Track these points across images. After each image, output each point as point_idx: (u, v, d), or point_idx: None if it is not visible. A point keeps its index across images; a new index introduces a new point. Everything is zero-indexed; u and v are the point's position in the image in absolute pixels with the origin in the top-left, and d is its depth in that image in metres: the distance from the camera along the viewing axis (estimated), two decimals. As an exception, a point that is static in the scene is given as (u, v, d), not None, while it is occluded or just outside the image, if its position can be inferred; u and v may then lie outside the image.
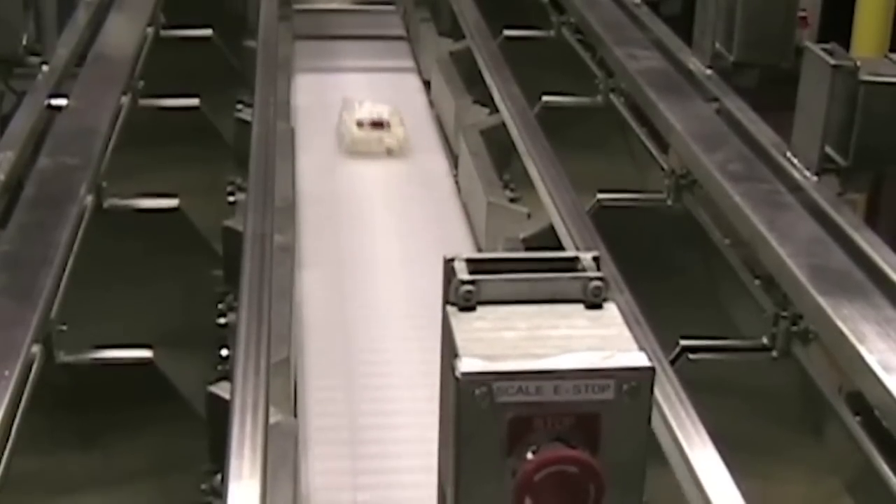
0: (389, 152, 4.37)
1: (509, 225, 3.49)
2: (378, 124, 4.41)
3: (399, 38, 5.62)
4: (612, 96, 3.82)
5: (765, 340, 2.60)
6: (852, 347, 2.17)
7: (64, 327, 2.40)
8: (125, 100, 3.39)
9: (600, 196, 3.20)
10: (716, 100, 3.27)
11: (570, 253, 1.53)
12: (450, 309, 1.45)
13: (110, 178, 2.98)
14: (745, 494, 1.97)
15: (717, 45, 3.42)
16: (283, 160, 3.46)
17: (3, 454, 2.00)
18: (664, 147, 3.34)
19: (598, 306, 1.46)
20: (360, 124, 4.40)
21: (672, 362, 2.48)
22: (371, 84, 5.11)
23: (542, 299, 1.46)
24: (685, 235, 3.11)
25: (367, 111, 4.46)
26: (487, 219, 3.61)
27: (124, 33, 3.79)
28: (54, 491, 2.43)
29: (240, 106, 3.96)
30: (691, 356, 2.57)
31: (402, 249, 3.76)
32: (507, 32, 4.42)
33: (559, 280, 1.47)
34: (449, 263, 1.47)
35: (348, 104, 4.51)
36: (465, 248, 3.68)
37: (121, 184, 3.04)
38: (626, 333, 1.42)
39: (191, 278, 3.11)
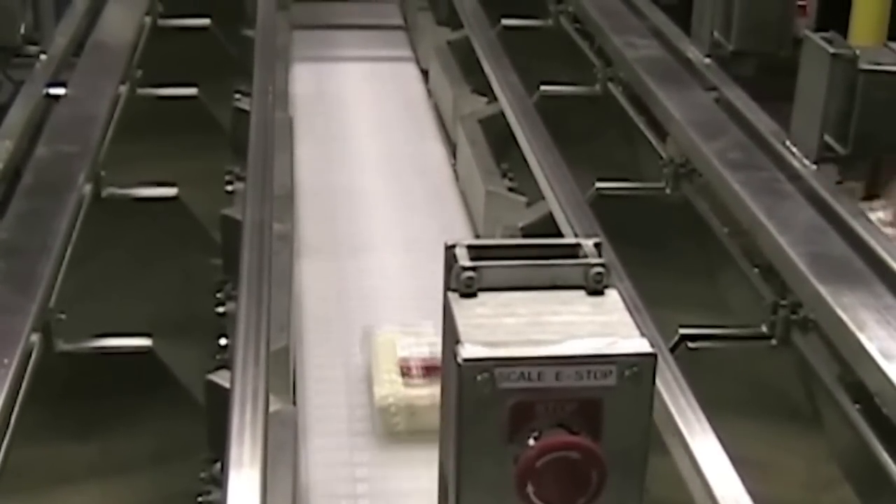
0: None
1: (507, 213, 3.49)
2: (432, 368, 2.79)
3: (397, 27, 5.61)
4: (610, 85, 3.82)
5: (764, 329, 2.60)
6: (852, 335, 2.16)
7: (63, 316, 2.40)
8: (123, 89, 3.38)
9: (599, 185, 3.19)
10: (714, 88, 3.27)
11: (571, 240, 1.53)
12: (451, 295, 1.45)
13: (109, 167, 2.98)
14: (744, 481, 1.97)
15: (716, 33, 3.42)
16: (281, 149, 3.45)
17: (2, 443, 2.00)
18: (663, 136, 3.34)
19: (599, 293, 1.46)
20: (405, 371, 2.82)
21: (671, 350, 2.48)
22: (369, 73, 5.11)
23: (544, 286, 1.46)
24: (684, 224, 3.11)
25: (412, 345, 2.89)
26: (486, 207, 3.61)
27: (122, 22, 3.79)
28: (54, 479, 2.43)
29: (238, 95, 3.95)
30: (691, 344, 2.57)
31: (400, 237, 3.76)
32: (505, 21, 4.41)
33: (561, 266, 1.47)
34: (450, 250, 1.47)
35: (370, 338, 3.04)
36: (463, 237, 3.68)
37: (119, 173, 3.04)
38: (628, 319, 1.42)
39: (189, 267, 3.11)
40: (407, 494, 2.64)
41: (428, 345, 2.83)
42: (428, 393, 2.72)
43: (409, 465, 2.72)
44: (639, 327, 1.40)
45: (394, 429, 2.75)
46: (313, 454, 2.77)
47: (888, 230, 2.78)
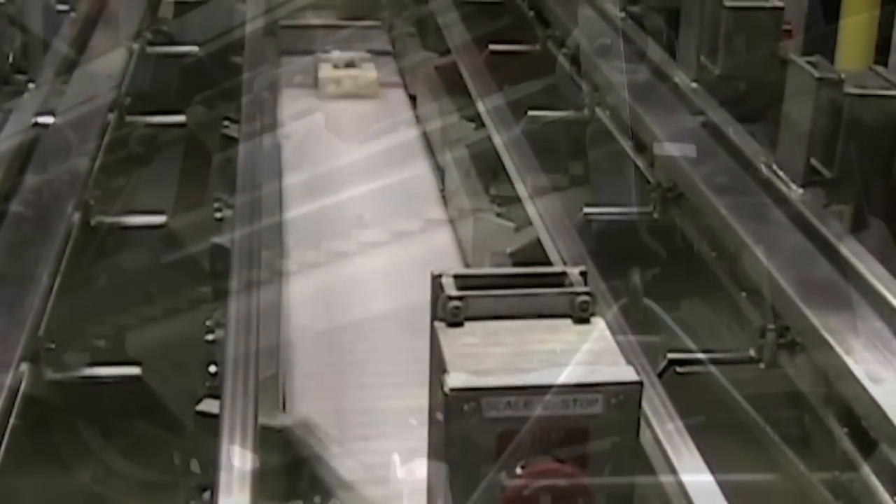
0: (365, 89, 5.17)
1: (496, 239, 3.49)
2: (351, 65, 5.29)
3: (385, 53, 5.62)
4: (597, 110, 3.82)
5: (752, 353, 2.61)
6: (839, 358, 2.17)
7: (52, 345, 2.40)
8: (111, 117, 3.39)
9: (587, 210, 3.20)
10: (701, 113, 3.28)
11: (557, 268, 1.54)
12: (438, 325, 1.45)
13: (97, 195, 2.98)
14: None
15: (702, 58, 3.43)
16: (269, 176, 3.46)
17: (-8, 472, 2.00)
18: (650, 160, 3.35)
19: (585, 321, 1.47)
20: (335, 66, 5.26)
21: (660, 375, 2.48)
22: (357, 100, 5.11)
23: (530, 314, 1.46)
24: (672, 248, 3.11)
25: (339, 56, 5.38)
26: (474, 233, 3.61)
27: (110, 50, 3.79)
28: (43, 509, 2.42)
29: (226, 122, 3.95)
30: (679, 369, 2.57)
31: (389, 265, 3.76)
32: (493, 47, 4.43)
33: (547, 295, 1.47)
34: (437, 280, 1.48)
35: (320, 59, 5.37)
36: (452, 263, 3.68)
37: (108, 201, 3.04)
38: (614, 348, 1.42)
39: (178, 295, 3.10)
40: (338, 121, 4.74)
41: (350, 58, 5.27)
42: (346, 73, 5.20)
43: (337, 109, 4.88)
44: (625, 355, 1.41)
45: (327, 91, 5.13)
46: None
47: None
